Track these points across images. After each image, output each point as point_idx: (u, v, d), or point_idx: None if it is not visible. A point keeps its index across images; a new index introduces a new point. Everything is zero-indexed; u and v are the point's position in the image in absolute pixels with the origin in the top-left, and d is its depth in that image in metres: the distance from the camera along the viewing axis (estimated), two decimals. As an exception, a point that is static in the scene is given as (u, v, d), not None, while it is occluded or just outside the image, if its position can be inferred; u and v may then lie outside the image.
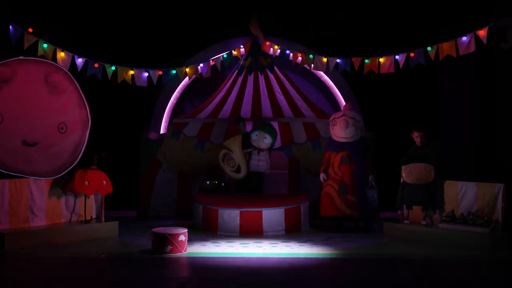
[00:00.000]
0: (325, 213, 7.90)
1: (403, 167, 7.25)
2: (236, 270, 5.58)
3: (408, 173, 7.19)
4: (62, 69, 7.48)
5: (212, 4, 10.20)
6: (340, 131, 7.82)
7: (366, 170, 7.82)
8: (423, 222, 7.14)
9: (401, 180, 7.37)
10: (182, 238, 6.19)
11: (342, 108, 8.42)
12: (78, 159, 7.37)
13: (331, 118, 8.05)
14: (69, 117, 7.37)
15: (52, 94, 7.26)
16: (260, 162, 8.42)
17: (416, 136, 7.43)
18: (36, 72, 7.14)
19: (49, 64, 7.37)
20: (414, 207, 7.27)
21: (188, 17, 10.34)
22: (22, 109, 6.98)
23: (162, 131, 10.07)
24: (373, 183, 7.95)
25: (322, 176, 7.96)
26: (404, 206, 7.32)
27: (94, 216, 7.56)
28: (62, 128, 7.24)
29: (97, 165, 7.47)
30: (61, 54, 7.81)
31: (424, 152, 7.28)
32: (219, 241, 6.97)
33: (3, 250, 6.27)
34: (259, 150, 8.37)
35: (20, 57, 7.07)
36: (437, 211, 7.17)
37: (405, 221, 7.32)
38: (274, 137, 8.47)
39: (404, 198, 7.27)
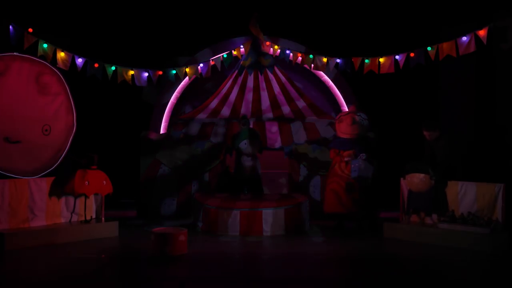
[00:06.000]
0: (330, 209, 7.96)
1: (406, 176, 7.33)
2: (236, 270, 5.58)
3: (409, 183, 7.29)
4: (56, 72, 7.44)
5: (212, 4, 10.20)
6: (346, 127, 7.96)
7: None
8: (425, 222, 7.15)
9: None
10: (182, 238, 6.19)
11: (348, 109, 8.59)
12: (58, 163, 7.32)
13: (338, 117, 8.25)
14: (55, 121, 7.33)
15: (41, 94, 7.22)
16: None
17: (426, 134, 7.42)
18: (29, 70, 7.11)
19: (43, 65, 7.32)
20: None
21: (188, 17, 10.35)
22: (9, 105, 6.90)
23: (162, 131, 10.07)
24: (363, 158, 7.90)
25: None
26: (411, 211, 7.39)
27: (94, 216, 7.55)
28: (46, 130, 7.18)
29: (97, 165, 7.47)
30: (61, 54, 7.79)
31: (434, 150, 7.29)
32: (219, 241, 6.97)
33: (3, 250, 6.27)
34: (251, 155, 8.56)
35: (15, 53, 7.04)
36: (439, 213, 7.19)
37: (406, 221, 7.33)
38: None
39: (410, 204, 7.34)
